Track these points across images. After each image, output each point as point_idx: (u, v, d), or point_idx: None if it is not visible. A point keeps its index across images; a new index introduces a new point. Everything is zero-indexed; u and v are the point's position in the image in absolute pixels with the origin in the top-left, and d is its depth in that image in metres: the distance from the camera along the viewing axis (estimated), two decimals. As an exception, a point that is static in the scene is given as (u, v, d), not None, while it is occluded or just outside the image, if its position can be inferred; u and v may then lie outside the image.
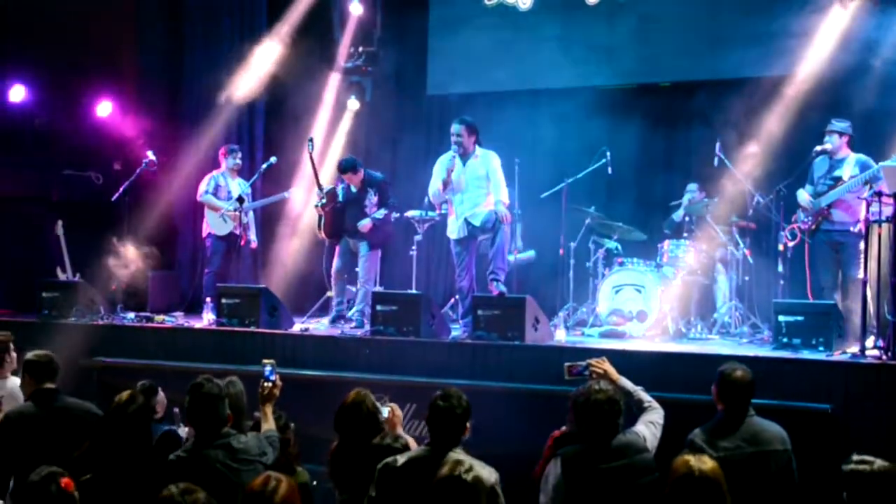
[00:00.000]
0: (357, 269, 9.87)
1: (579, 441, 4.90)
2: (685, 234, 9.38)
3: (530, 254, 10.07)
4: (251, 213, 10.47)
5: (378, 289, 9.60)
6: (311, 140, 9.94)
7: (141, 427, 4.97)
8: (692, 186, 9.71)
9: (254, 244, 10.55)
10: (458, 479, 3.92)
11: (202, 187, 10.33)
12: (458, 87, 11.42)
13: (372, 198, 9.52)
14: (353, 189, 9.60)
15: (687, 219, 9.52)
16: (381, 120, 11.86)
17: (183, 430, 6.09)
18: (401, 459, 4.69)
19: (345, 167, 9.64)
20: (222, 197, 10.22)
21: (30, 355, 6.04)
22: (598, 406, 4.81)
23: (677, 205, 9.77)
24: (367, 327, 8.71)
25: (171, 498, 3.60)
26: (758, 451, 5.10)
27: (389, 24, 11.61)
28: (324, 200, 9.59)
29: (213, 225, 10.23)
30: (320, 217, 9.67)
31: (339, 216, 9.59)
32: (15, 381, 6.57)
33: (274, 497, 3.60)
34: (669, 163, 10.55)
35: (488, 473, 4.55)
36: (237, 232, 10.12)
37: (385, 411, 5.63)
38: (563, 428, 5.44)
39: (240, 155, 10.53)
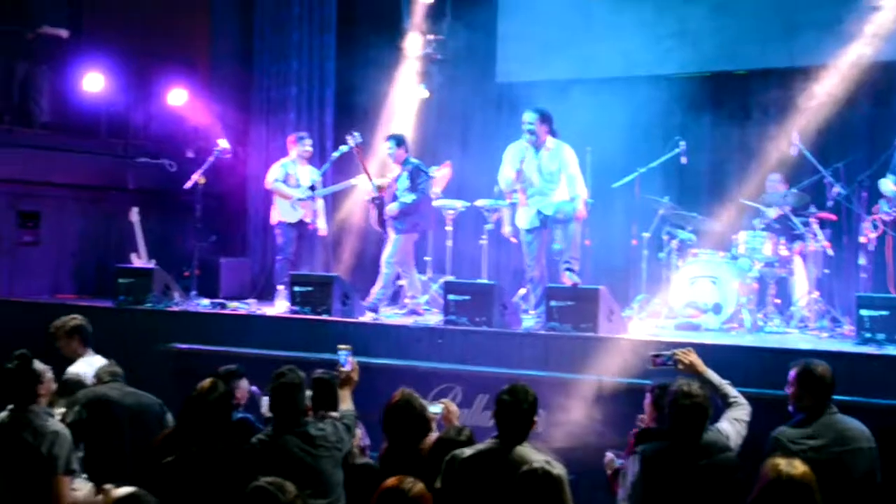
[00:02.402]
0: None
1: (661, 438, 4.84)
2: (762, 226, 9.20)
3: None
4: (321, 201, 10.50)
5: (419, 276, 9.72)
6: (355, 133, 9.96)
7: (221, 414, 5.06)
8: (775, 177, 9.50)
9: (322, 231, 10.57)
10: (546, 474, 3.90)
11: (271, 175, 10.37)
12: (528, 75, 11.32)
13: (405, 181, 9.50)
14: (396, 170, 9.64)
15: (766, 208, 9.33)
16: (449, 108, 11.82)
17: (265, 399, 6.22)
18: (467, 451, 4.71)
19: (389, 136, 9.76)
20: (291, 184, 10.25)
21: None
22: (683, 410, 4.74)
23: (755, 207, 9.51)
24: (377, 312, 8.99)
25: (261, 489, 3.63)
26: (845, 449, 4.99)
27: (459, 12, 11.55)
28: (375, 194, 9.61)
29: (283, 212, 10.26)
30: (376, 210, 9.69)
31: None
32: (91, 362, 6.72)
33: (409, 493, 3.77)
34: (745, 152, 10.32)
35: (558, 469, 4.53)
36: (307, 219, 10.16)
37: (439, 408, 5.62)
38: (641, 422, 5.40)
39: (309, 142, 10.53)
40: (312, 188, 9.95)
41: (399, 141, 9.72)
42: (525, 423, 4.72)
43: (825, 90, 9.47)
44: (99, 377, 6.29)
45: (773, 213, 9.14)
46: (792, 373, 5.22)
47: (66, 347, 7.00)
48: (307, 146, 10.45)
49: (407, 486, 3.79)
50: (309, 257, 10.27)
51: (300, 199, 10.11)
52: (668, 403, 4.84)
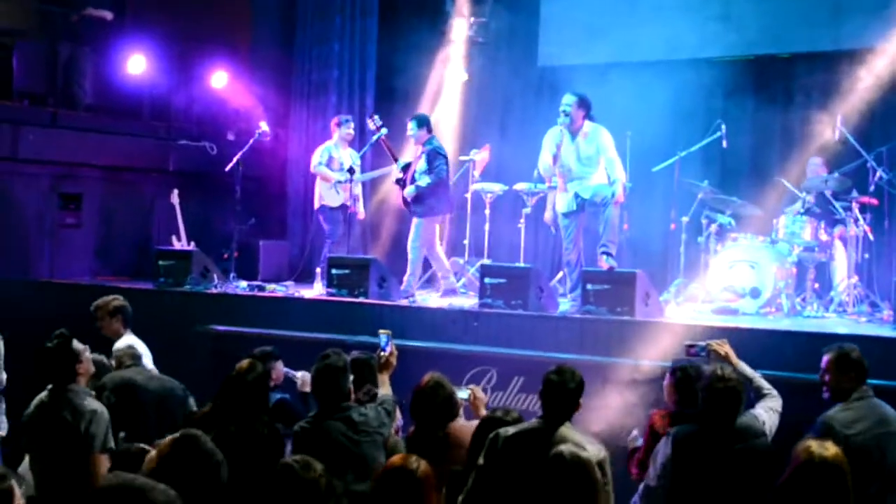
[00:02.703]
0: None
1: (694, 421, 4.82)
2: (802, 210, 9.09)
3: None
4: (360, 185, 10.52)
5: (456, 258, 9.82)
6: (375, 116, 9.99)
7: (259, 394, 5.11)
8: (815, 161, 9.38)
9: (361, 215, 10.61)
10: (574, 457, 3.90)
11: (315, 158, 10.41)
12: (570, 59, 11.22)
13: (423, 164, 9.45)
14: (418, 151, 9.60)
15: (804, 194, 9.23)
16: (490, 91, 11.78)
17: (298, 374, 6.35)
18: (511, 430, 4.72)
19: (412, 117, 9.67)
20: (335, 168, 10.28)
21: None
22: (717, 394, 4.72)
23: (794, 194, 9.37)
24: (414, 296, 8.92)
25: (287, 466, 3.66)
26: (886, 431, 4.98)
27: (502, -5, 11.51)
28: (400, 175, 9.60)
29: (326, 196, 10.30)
30: (401, 192, 9.69)
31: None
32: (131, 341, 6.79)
33: (417, 472, 3.73)
34: (787, 136, 10.23)
35: (596, 451, 4.54)
36: (348, 203, 10.20)
37: (466, 393, 5.63)
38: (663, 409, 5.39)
39: (352, 125, 10.55)
40: (351, 171, 9.97)
41: (421, 121, 9.59)
42: (570, 403, 4.73)
43: (871, 73, 9.32)
44: (119, 361, 6.33)
45: (811, 198, 9.04)
46: (825, 358, 5.17)
47: (107, 327, 7.07)
48: (350, 129, 10.48)
49: (412, 465, 3.75)
50: (346, 240, 10.31)
51: (339, 182, 10.14)
52: (702, 387, 4.83)
